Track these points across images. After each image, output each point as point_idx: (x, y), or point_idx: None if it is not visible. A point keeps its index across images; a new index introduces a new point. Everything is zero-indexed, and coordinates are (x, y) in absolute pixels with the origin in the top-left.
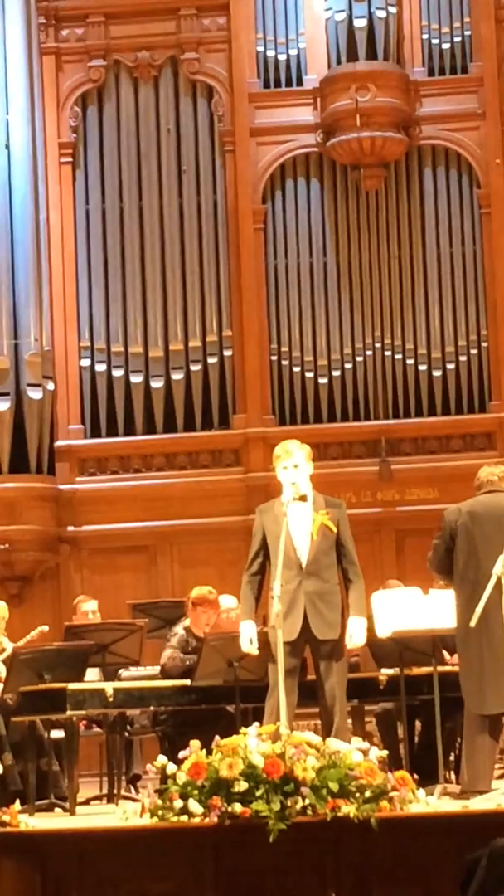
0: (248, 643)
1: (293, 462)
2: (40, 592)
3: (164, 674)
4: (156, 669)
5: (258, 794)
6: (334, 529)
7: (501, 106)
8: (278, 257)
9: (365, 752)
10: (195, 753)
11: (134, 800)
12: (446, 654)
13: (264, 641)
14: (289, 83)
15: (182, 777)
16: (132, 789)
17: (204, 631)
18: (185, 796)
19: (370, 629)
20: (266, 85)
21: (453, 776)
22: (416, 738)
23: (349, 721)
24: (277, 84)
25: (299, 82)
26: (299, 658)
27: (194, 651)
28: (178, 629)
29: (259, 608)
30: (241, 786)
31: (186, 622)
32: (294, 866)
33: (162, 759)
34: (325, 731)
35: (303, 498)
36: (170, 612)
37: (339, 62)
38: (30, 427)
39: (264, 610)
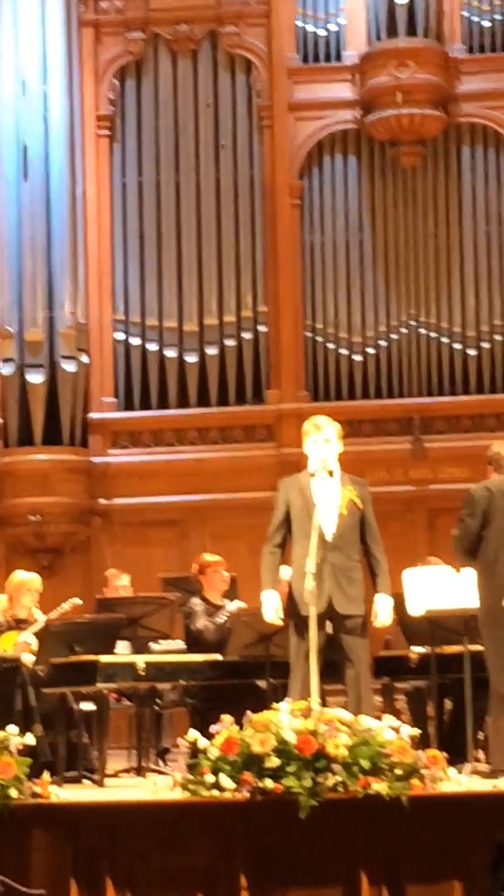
0: (272, 613)
1: (323, 437)
2: (71, 565)
3: (204, 642)
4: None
5: (290, 770)
6: (361, 506)
7: None
8: (314, 233)
9: (397, 730)
10: (227, 728)
11: (162, 773)
12: None
13: (286, 614)
14: (328, 59)
15: (214, 752)
16: (161, 763)
17: (221, 591)
18: (216, 771)
19: (401, 607)
20: (305, 60)
21: (482, 755)
22: (446, 717)
23: (378, 698)
24: (317, 59)
25: (338, 58)
26: (324, 633)
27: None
28: (195, 600)
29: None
30: (273, 762)
31: (199, 595)
32: (324, 843)
33: (193, 734)
34: (351, 708)
35: (330, 473)
36: (199, 586)
37: (378, 38)
38: (63, 399)
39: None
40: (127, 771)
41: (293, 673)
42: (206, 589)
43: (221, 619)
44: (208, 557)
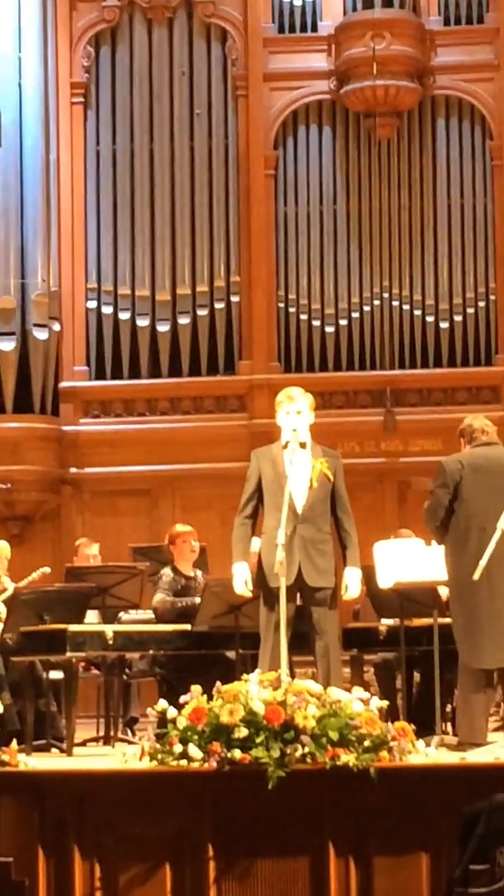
0: (243, 585)
1: (296, 408)
2: (41, 533)
3: (157, 618)
4: None
5: (258, 740)
6: (332, 478)
7: None
8: (288, 204)
9: (365, 702)
10: (196, 698)
11: (130, 742)
12: None
13: (256, 585)
14: (304, 29)
15: (182, 722)
16: (129, 732)
17: (191, 561)
18: (184, 741)
19: (371, 579)
20: (281, 30)
21: (450, 728)
22: (414, 689)
23: (346, 670)
24: (292, 29)
25: (314, 28)
26: (293, 605)
27: (184, 589)
28: (165, 571)
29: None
30: (242, 732)
31: (170, 566)
32: (292, 814)
33: (162, 704)
34: (320, 680)
35: (302, 445)
36: (170, 557)
37: (354, 9)
38: (35, 367)
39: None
40: (95, 740)
41: (263, 644)
42: (177, 559)
43: (181, 603)
44: (179, 528)
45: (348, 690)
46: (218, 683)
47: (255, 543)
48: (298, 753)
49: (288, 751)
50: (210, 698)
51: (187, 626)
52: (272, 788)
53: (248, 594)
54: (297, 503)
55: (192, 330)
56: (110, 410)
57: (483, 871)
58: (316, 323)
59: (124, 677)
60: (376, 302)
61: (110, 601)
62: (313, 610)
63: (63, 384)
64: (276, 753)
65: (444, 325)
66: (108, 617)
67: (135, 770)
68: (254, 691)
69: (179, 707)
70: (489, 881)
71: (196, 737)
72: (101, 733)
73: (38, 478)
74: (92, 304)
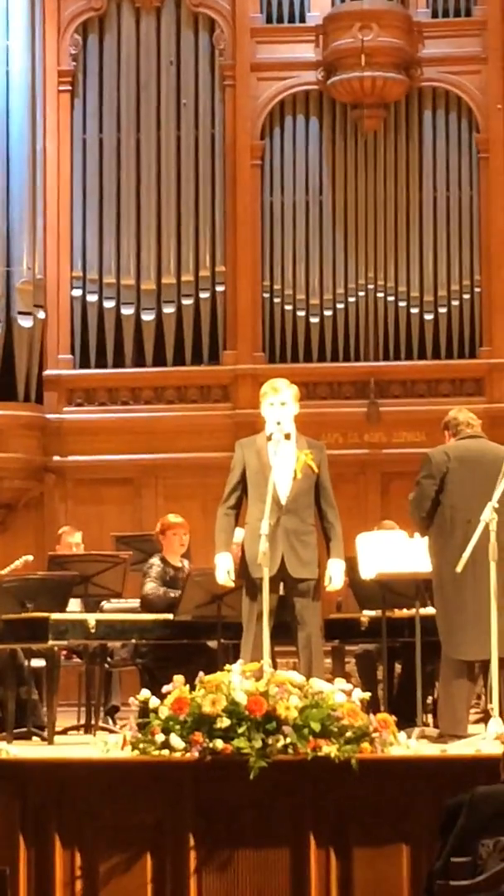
0: (225, 575)
1: (280, 399)
2: (24, 521)
3: (147, 606)
4: (137, 602)
5: (240, 731)
6: (316, 470)
7: None
8: (274, 194)
9: (348, 694)
10: (179, 688)
11: (111, 731)
12: None
13: (239, 575)
14: (291, 19)
15: (165, 711)
16: (110, 721)
17: (180, 553)
18: (167, 731)
19: (354, 570)
20: (269, 20)
21: (431, 719)
22: (396, 681)
23: (328, 661)
24: (280, 20)
25: (302, 19)
26: (276, 596)
27: (172, 580)
28: (154, 560)
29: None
30: (224, 722)
31: (159, 555)
32: (273, 804)
33: (145, 693)
34: (302, 671)
35: (287, 436)
36: (153, 546)
37: (342, 0)
38: (19, 355)
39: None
40: (76, 728)
41: (245, 635)
42: (165, 550)
43: (174, 594)
44: (172, 519)
45: (330, 681)
46: (200, 673)
47: (238, 534)
48: (280, 744)
49: (270, 741)
50: (192, 688)
51: (170, 616)
52: (254, 779)
53: (231, 584)
54: (281, 494)
55: (176, 319)
56: (94, 399)
57: (464, 864)
58: (301, 313)
59: (106, 666)
60: (361, 293)
61: (93, 590)
62: (296, 601)
63: (47, 372)
64: (258, 744)
65: (428, 316)
66: (91, 605)
67: (117, 759)
68: (236, 682)
69: (161, 697)
70: (470, 874)
71: (178, 727)
72: (82, 722)
73: (22, 465)
74: (77, 293)
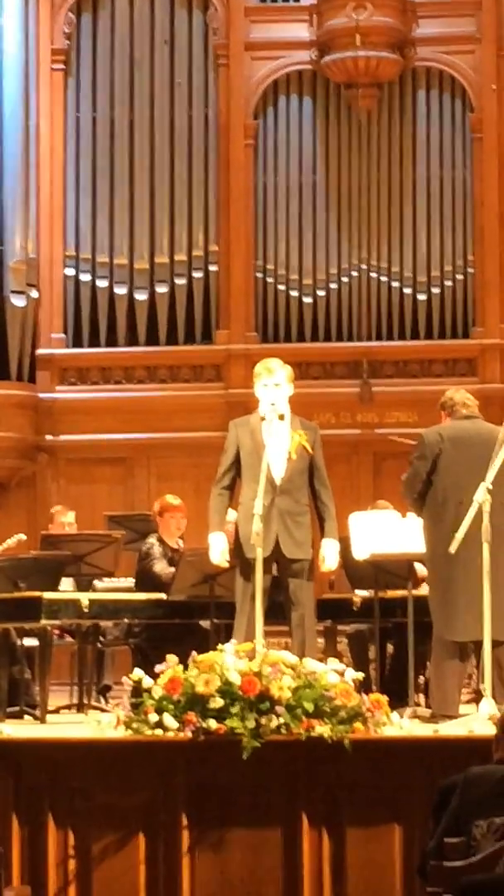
0: (219, 556)
1: (274, 381)
2: (16, 500)
3: (160, 587)
4: (130, 581)
5: (233, 711)
6: (311, 451)
7: (498, 30)
8: (268, 174)
9: (341, 674)
10: (172, 668)
11: (103, 710)
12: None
13: (232, 555)
14: None
15: (158, 691)
16: (102, 700)
17: (176, 536)
18: (160, 710)
19: (346, 550)
20: None
21: (423, 699)
22: (388, 661)
23: (320, 640)
24: None
25: None
26: (269, 576)
27: (170, 562)
28: (153, 540)
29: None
30: (217, 702)
31: (156, 535)
32: (266, 784)
33: (138, 673)
34: (295, 651)
35: (281, 417)
36: (145, 525)
37: None
38: (12, 334)
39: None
40: (68, 707)
41: (239, 615)
42: (162, 531)
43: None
44: (171, 500)
45: (323, 662)
46: (194, 653)
47: (231, 515)
48: (273, 724)
49: (263, 721)
50: (185, 668)
51: (162, 595)
52: (247, 759)
53: (225, 564)
54: (275, 475)
55: (169, 299)
56: (87, 378)
57: (457, 844)
58: (294, 293)
59: (98, 645)
60: (354, 273)
61: (85, 569)
62: (290, 581)
63: (40, 351)
64: (251, 724)
65: (421, 297)
66: (83, 585)
67: (110, 739)
68: (229, 661)
69: (154, 676)
70: (463, 854)
71: (171, 706)
72: (75, 701)
73: (14, 444)
74: (70, 272)
